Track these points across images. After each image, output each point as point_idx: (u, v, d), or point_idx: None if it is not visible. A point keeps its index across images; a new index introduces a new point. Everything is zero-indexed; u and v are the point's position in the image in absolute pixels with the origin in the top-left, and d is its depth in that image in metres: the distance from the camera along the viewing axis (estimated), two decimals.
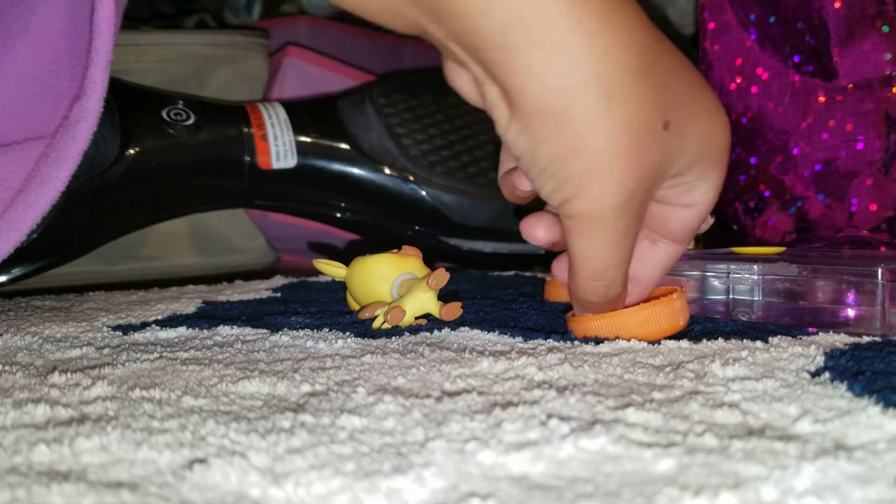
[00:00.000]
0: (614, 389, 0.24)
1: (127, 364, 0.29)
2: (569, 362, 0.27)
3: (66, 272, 0.56)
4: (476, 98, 0.30)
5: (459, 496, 0.17)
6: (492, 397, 0.24)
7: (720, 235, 0.55)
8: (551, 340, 0.32)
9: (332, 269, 0.39)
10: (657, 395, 0.23)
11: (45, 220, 0.41)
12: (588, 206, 0.28)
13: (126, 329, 0.36)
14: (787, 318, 0.34)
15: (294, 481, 0.17)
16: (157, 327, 0.36)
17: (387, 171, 0.62)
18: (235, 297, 0.47)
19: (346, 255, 0.42)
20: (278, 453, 0.19)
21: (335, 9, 0.98)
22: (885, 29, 0.48)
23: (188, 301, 0.45)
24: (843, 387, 0.24)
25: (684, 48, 0.73)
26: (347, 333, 0.34)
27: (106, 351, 0.32)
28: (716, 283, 0.37)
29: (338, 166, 0.61)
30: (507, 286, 0.50)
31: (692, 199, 0.31)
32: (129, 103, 0.54)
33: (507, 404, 0.23)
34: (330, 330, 0.35)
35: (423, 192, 0.62)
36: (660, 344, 0.30)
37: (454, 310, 0.35)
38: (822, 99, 0.51)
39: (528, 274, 0.62)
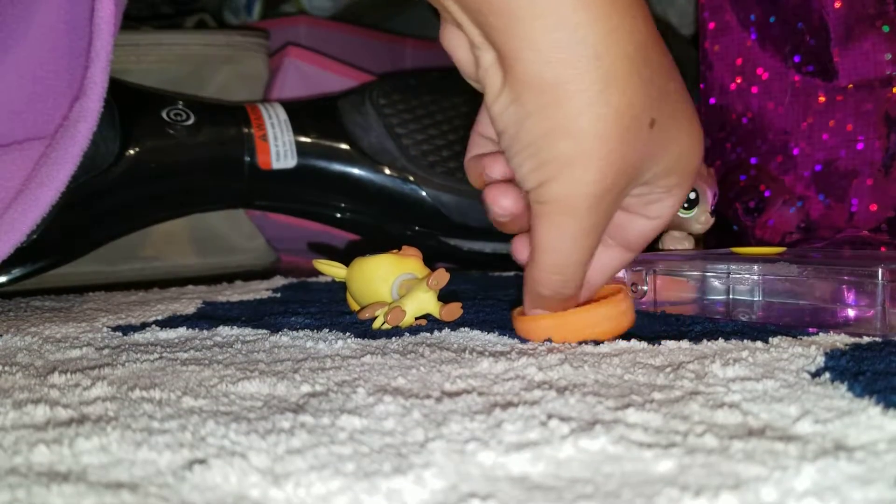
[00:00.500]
0: (614, 390, 0.24)
1: (127, 364, 0.29)
2: (569, 363, 0.27)
3: (66, 272, 0.56)
4: (469, 65, 0.30)
5: (459, 497, 0.17)
6: (492, 398, 0.24)
7: (720, 235, 0.55)
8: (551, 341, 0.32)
9: (332, 270, 0.39)
10: (657, 395, 0.23)
11: (45, 221, 0.41)
12: (564, 192, 0.28)
13: (126, 329, 0.36)
14: (788, 319, 0.34)
15: (294, 482, 0.17)
16: (157, 328, 0.36)
17: (387, 171, 0.62)
18: (235, 298, 0.47)
19: (346, 256, 0.42)
20: (278, 454, 0.19)
21: (335, 9, 0.98)
22: (886, 29, 0.48)
23: (188, 301, 0.45)
24: (843, 387, 0.24)
25: (685, 48, 0.73)
26: (347, 334, 0.34)
27: (106, 351, 0.32)
28: (716, 283, 0.37)
29: (338, 166, 0.61)
30: (508, 287, 0.50)
31: (655, 211, 0.31)
32: (129, 103, 0.54)
33: (507, 405, 0.23)
34: (330, 330, 0.35)
35: (423, 193, 0.62)
36: (660, 344, 0.30)
37: (454, 310, 0.35)
38: (822, 99, 0.51)
39: None
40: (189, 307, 0.43)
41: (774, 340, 0.30)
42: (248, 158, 0.58)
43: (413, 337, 0.33)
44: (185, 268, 0.68)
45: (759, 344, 0.30)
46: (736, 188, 0.54)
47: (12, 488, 0.17)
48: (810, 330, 0.33)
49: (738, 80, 0.54)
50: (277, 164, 0.59)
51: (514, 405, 0.22)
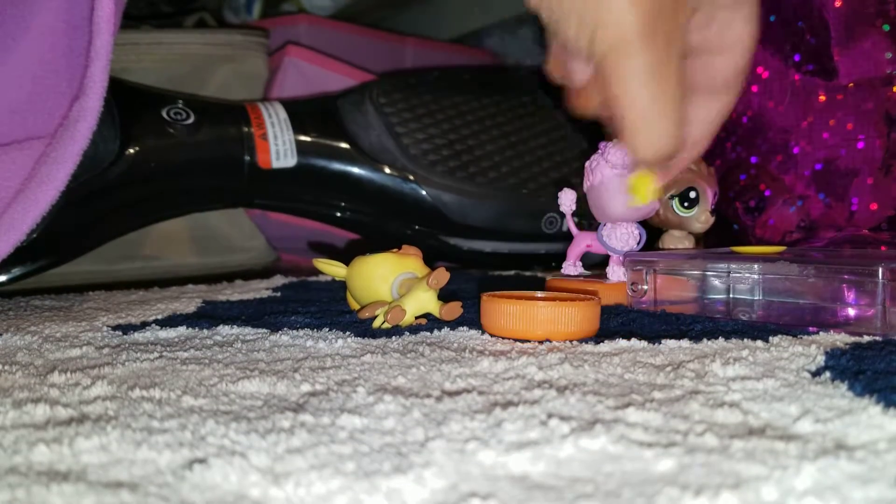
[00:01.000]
0: (614, 389, 0.24)
1: (127, 364, 0.29)
2: (569, 362, 0.27)
3: (66, 272, 0.56)
4: None
5: (459, 496, 0.17)
6: (492, 397, 0.24)
7: (720, 235, 0.55)
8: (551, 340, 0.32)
9: (332, 269, 0.39)
10: (657, 394, 0.23)
11: (45, 220, 0.41)
12: (611, 35, 0.28)
13: (126, 329, 0.36)
14: (788, 318, 0.34)
15: (294, 481, 0.17)
16: (157, 327, 0.36)
17: (387, 170, 0.62)
18: (235, 297, 0.47)
19: (346, 255, 0.42)
20: (278, 453, 0.19)
21: (335, 8, 0.98)
22: (886, 28, 0.48)
23: (188, 301, 0.45)
24: (843, 386, 0.24)
25: None
26: (347, 333, 0.34)
27: (106, 350, 0.32)
28: (716, 282, 0.37)
29: (338, 165, 0.61)
30: (508, 286, 0.50)
31: (729, 38, 0.30)
32: (128, 103, 0.54)
33: (508, 404, 0.23)
34: (330, 329, 0.35)
35: (423, 192, 0.62)
36: (660, 343, 0.30)
37: (454, 309, 0.35)
38: (822, 98, 0.51)
39: (528, 273, 0.62)
40: (189, 306, 0.43)
41: (775, 339, 0.30)
42: (247, 157, 0.59)
43: (413, 336, 0.33)
44: (185, 267, 0.68)
45: (759, 343, 0.30)
46: (736, 187, 0.54)
47: (12, 488, 0.17)
48: (811, 329, 0.33)
49: None
50: (277, 164, 0.59)
51: (514, 404, 0.22)
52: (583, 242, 0.42)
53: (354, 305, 0.39)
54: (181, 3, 0.91)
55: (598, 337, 0.32)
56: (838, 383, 0.24)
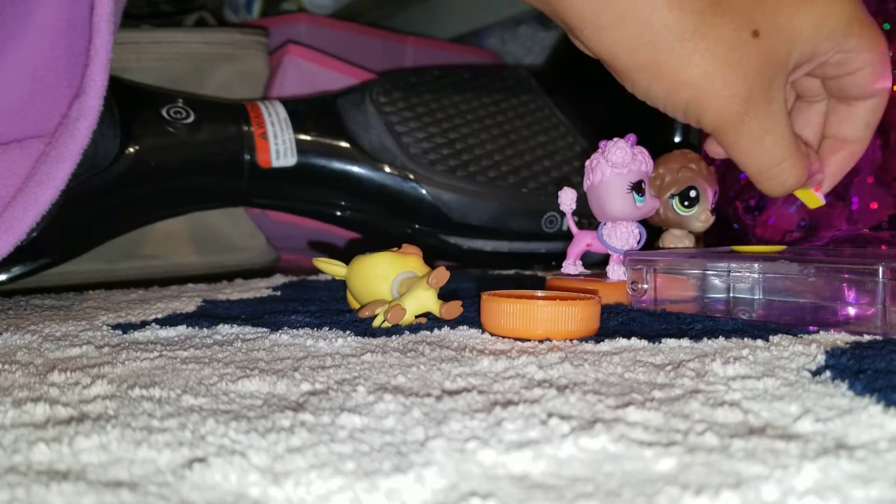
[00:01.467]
0: (615, 388, 0.24)
1: (126, 363, 0.29)
2: (569, 361, 0.27)
3: (66, 271, 0.56)
4: None
5: (460, 495, 0.17)
6: (492, 396, 0.24)
7: (720, 234, 0.55)
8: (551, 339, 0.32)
9: (332, 268, 0.39)
10: (658, 393, 0.23)
11: (45, 219, 0.41)
12: (714, 122, 0.34)
13: (126, 328, 0.36)
14: (788, 317, 0.34)
15: (294, 481, 0.17)
16: (157, 326, 0.36)
17: (387, 169, 0.62)
18: (235, 296, 0.47)
19: (346, 254, 0.42)
20: (278, 452, 0.19)
21: (335, 7, 0.98)
22: (886, 27, 0.48)
23: (188, 300, 0.45)
24: (844, 386, 0.24)
25: None
26: (347, 332, 0.34)
27: (105, 350, 0.32)
28: (716, 281, 0.37)
29: (338, 164, 0.61)
30: (508, 285, 0.50)
31: (854, 64, 0.34)
32: (128, 101, 0.54)
33: (508, 403, 0.23)
34: (330, 328, 0.35)
35: (423, 191, 0.62)
36: (660, 342, 0.30)
37: (454, 308, 0.35)
38: None
39: (528, 272, 0.62)
40: (189, 305, 0.43)
41: (775, 339, 0.30)
42: (247, 156, 0.58)
43: (413, 335, 0.33)
44: (185, 266, 0.68)
45: (759, 342, 0.30)
46: (736, 186, 0.54)
47: (12, 487, 0.17)
48: (811, 328, 0.33)
49: None
50: (277, 163, 0.59)
51: (514, 403, 0.22)
52: (583, 241, 0.42)
53: (354, 304, 0.39)
54: (181, 2, 0.91)
55: (599, 336, 0.32)
56: (839, 382, 0.24)
